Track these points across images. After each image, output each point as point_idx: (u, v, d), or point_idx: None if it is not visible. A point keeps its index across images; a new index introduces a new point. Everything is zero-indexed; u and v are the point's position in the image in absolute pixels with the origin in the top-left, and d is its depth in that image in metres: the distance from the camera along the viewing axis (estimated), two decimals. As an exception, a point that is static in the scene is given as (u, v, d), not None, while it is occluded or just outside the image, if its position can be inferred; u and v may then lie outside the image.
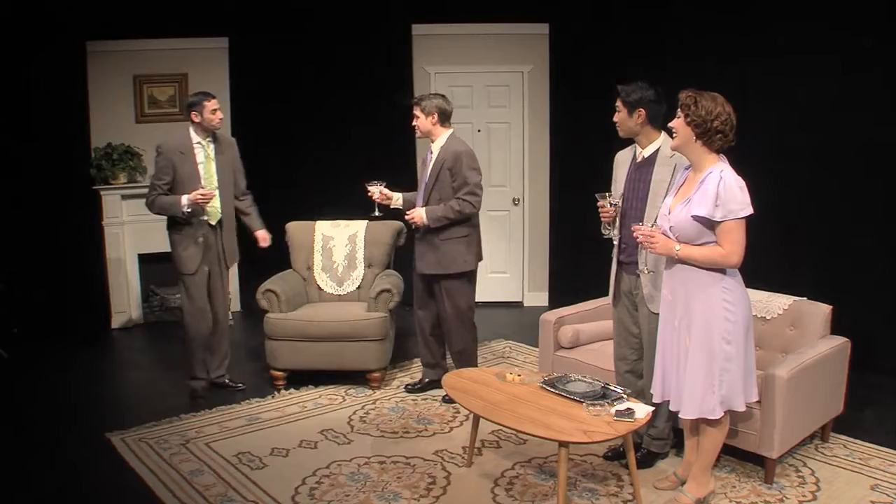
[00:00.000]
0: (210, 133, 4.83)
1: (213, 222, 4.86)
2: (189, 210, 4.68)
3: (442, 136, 4.71)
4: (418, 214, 4.64)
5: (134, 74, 6.80)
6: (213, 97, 4.79)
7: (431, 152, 4.74)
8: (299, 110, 7.03)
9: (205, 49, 6.89)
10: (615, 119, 3.68)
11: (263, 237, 5.14)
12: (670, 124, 3.26)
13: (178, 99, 6.89)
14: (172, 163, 4.73)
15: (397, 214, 4.97)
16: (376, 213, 4.81)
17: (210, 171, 4.83)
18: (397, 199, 4.85)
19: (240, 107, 6.97)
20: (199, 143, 4.80)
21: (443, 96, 4.77)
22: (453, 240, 4.67)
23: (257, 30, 6.86)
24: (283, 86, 6.97)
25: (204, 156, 4.82)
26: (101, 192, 6.59)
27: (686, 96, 3.18)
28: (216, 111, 4.76)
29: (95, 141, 6.66)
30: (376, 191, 4.73)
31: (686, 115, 3.16)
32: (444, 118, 4.71)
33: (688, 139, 3.18)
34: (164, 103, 6.91)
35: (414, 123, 4.74)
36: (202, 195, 4.64)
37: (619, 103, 3.64)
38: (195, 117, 4.75)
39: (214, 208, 4.83)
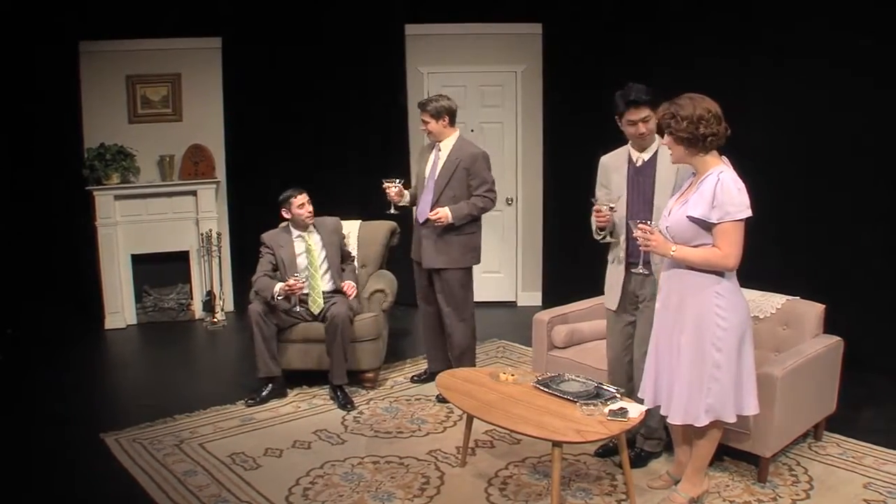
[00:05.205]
0: (306, 226, 5.00)
1: (316, 312, 4.93)
2: (281, 297, 4.78)
3: (451, 136, 4.75)
4: (444, 214, 4.62)
5: (127, 74, 6.76)
6: (301, 193, 4.96)
7: (439, 150, 4.75)
8: (293, 110, 7.01)
9: (198, 49, 6.87)
10: (646, 129, 3.52)
11: (348, 286, 5.06)
12: (662, 142, 3.27)
13: (172, 99, 6.88)
14: (273, 252, 4.96)
15: (394, 214, 4.95)
16: (393, 211, 4.88)
17: (313, 261, 4.98)
18: (406, 196, 4.90)
19: (233, 107, 6.96)
20: (299, 236, 5.01)
21: (447, 97, 4.77)
22: (464, 236, 4.72)
23: (251, 30, 6.85)
24: (276, 86, 6.95)
25: (304, 247, 4.99)
26: (94, 193, 6.56)
27: (663, 115, 3.14)
28: (303, 205, 4.93)
29: (88, 141, 6.63)
30: (394, 188, 4.77)
31: (671, 134, 3.13)
32: (453, 119, 4.74)
33: (682, 154, 3.16)
34: (157, 103, 6.88)
35: (424, 129, 4.76)
36: (289, 286, 4.73)
37: (648, 112, 3.47)
38: (285, 213, 4.98)
39: (316, 301, 4.93)
